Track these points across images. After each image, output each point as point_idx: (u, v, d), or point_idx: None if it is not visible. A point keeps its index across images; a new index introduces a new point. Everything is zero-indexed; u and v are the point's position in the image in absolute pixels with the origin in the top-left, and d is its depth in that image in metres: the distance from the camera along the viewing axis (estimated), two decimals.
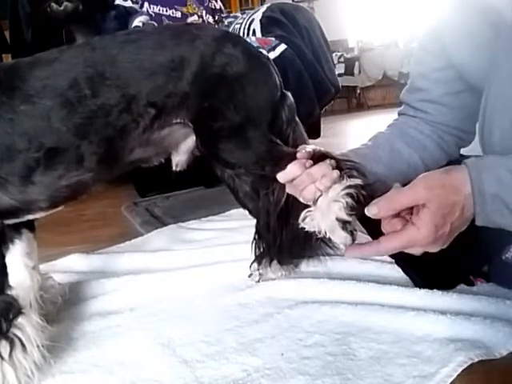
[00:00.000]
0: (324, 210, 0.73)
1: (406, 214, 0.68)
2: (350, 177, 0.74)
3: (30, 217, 0.78)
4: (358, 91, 7.42)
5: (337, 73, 2.50)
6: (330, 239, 0.77)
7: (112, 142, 0.76)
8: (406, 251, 0.69)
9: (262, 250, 0.98)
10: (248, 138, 0.79)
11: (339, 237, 0.73)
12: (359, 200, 0.72)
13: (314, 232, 0.76)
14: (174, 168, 0.92)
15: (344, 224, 0.73)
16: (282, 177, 0.78)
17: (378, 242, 0.68)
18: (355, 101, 7.54)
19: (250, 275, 1.00)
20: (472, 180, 0.64)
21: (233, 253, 1.15)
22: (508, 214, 0.63)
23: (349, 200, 0.72)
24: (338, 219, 0.72)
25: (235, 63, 0.79)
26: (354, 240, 0.74)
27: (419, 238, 0.65)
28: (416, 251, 0.68)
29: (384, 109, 6.18)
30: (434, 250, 0.68)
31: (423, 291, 0.86)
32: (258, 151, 0.79)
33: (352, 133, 4.76)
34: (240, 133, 0.79)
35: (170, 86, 0.77)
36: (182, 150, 0.89)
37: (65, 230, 1.63)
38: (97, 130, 0.74)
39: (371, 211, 0.67)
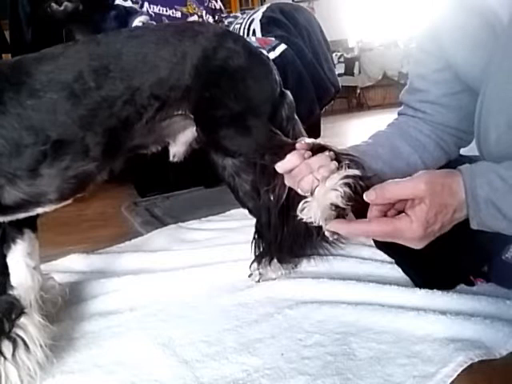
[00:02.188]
0: (320, 199, 0.73)
1: (399, 207, 0.69)
2: (348, 168, 0.74)
3: (40, 210, 0.78)
4: (358, 91, 7.41)
5: (337, 73, 2.50)
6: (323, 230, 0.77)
7: (116, 132, 0.77)
8: (389, 240, 0.69)
9: (261, 249, 0.98)
10: (248, 126, 0.80)
11: (327, 217, 0.73)
12: (356, 190, 0.72)
13: (311, 222, 0.76)
14: (170, 158, 0.92)
15: (336, 208, 0.72)
16: (280, 166, 0.79)
17: (369, 222, 0.69)
18: (355, 101, 7.54)
19: (250, 275, 1.00)
20: (466, 184, 0.65)
21: (233, 253, 1.15)
22: (501, 218, 0.65)
23: (346, 189, 0.72)
24: (332, 204, 0.72)
25: (236, 57, 0.81)
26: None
27: (409, 229, 0.66)
28: (400, 242, 0.69)
29: (384, 109, 6.18)
30: (417, 246, 0.69)
31: (423, 291, 0.86)
32: (258, 139, 0.80)
33: (352, 133, 4.75)
34: (241, 121, 0.80)
35: (172, 80, 0.78)
36: (180, 141, 0.90)
37: (65, 230, 1.64)
38: (101, 121, 0.75)
39: (369, 196, 0.68)
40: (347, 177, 0.73)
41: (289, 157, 0.77)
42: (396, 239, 0.69)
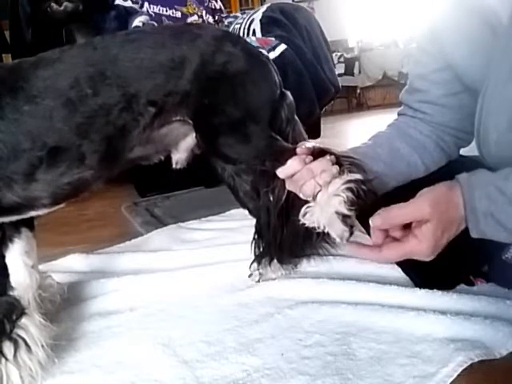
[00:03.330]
0: (324, 204, 0.73)
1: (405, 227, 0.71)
2: (350, 172, 0.74)
3: (33, 213, 0.79)
4: (358, 91, 7.42)
5: (337, 73, 2.50)
6: (328, 234, 0.77)
7: (113, 140, 0.77)
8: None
9: (261, 249, 0.98)
10: (248, 133, 0.80)
11: (337, 230, 0.73)
12: (359, 195, 0.72)
13: (314, 227, 0.76)
14: (173, 166, 0.92)
15: (343, 217, 0.72)
16: (281, 172, 0.79)
17: (380, 250, 0.71)
18: (355, 101, 7.54)
19: (250, 275, 1.00)
20: (464, 197, 0.66)
21: (233, 253, 1.15)
22: (501, 229, 0.65)
23: (349, 194, 0.72)
24: (337, 212, 0.72)
25: (235, 61, 0.80)
26: (351, 234, 0.74)
27: (419, 250, 0.68)
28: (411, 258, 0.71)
29: (384, 109, 6.18)
30: (427, 259, 0.71)
31: (423, 291, 0.86)
32: (259, 146, 0.80)
33: (352, 133, 4.76)
34: (240, 128, 0.79)
35: (170, 85, 0.78)
36: (182, 148, 0.89)
37: (65, 230, 1.63)
38: (98, 128, 0.75)
39: (375, 222, 0.70)
40: (349, 181, 0.73)
41: (290, 162, 0.77)
42: (407, 258, 0.71)
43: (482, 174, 0.69)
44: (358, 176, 0.74)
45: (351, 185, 0.72)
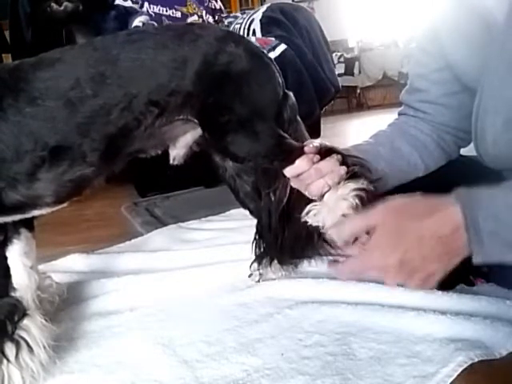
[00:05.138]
0: (331, 205, 0.73)
1: None
2: (360, 175, 0.75)
3: (36, 212, 0.79)
4: (358, 91, 7.42)
5: (337, 73, 2.51)
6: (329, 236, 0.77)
7: (114, 139, 0.77)
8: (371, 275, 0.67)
9: (262, 249, 0.98)
10: (257, 131, 0.79)
11: (337, 224, 0.73)
12: (364, 202, 0.73)
13: (317, 227, 0.76)
14: (171, 162, 0.92)
15: None
16: (289, 171, 0.79)
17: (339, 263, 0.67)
18: (355, 101, 7.55)
19: (250, 275, 1.00)
20: (466, 218, 0.60)
21: (233, 253, 1.15)
22: (508, 251, 0.60)
23: (357, 201, 0.72)
24: (344, 216, 0.72)
25: (238, 62, 0.80)
26: None
27: (372, 261, 0.64)
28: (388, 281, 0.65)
29: (384, 109, 6.18)
30: (391, 278, 0.65)
31: (423, 291, 0.86)
32: (268, 144, 0.80)
33: (352, 133, 4.76)
34: (248, 126, 0.79)
35: (172, 85, 0.78)
36: (181, 144, 0.89)
37: (65, 230, 1.64)
38: (98, 128, 0.75)
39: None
40: (360, 189, 0.73)
41: (298, 162, 0.77)
42: (367, 272, 0.67)
43: (485, 191, 0.62)
44: (368, 185, 0.74)
45: (361, 193, 0.73)
